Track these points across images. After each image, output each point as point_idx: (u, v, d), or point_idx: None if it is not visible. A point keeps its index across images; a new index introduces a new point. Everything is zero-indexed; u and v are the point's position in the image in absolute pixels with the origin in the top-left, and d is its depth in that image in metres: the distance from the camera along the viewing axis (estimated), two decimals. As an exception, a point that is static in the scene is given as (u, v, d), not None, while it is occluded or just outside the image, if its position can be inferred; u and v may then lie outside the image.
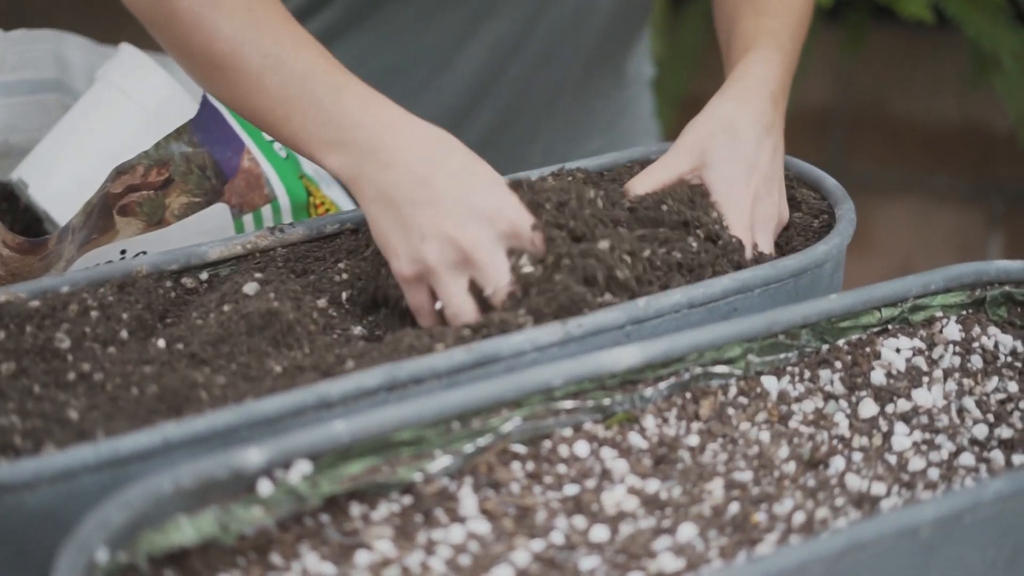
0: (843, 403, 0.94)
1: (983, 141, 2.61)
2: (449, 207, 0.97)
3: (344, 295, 1.03)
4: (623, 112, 1.53)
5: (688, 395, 0.92)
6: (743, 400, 0.93)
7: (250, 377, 0.92)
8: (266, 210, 1.17)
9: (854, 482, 0.87)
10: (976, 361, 0.97)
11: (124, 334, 0.98)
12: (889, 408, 0.94)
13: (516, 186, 1.01)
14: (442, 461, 0.85)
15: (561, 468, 0.87)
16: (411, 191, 0.98)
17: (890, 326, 0.98)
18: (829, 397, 0.94)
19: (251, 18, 1.02)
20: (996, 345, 0.98)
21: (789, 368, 0.95)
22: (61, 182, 1.19)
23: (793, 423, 0.92)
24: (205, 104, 1.14)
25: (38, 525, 0.81)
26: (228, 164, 1.15)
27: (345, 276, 1.05)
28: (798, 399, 0.94)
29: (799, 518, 0.84)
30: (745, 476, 0.88)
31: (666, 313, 0.96)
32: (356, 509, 0.83)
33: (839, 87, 2.65)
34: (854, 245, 1.06)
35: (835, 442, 0.91)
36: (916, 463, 0.90)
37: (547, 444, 0.88)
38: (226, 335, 0.96)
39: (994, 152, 2.60)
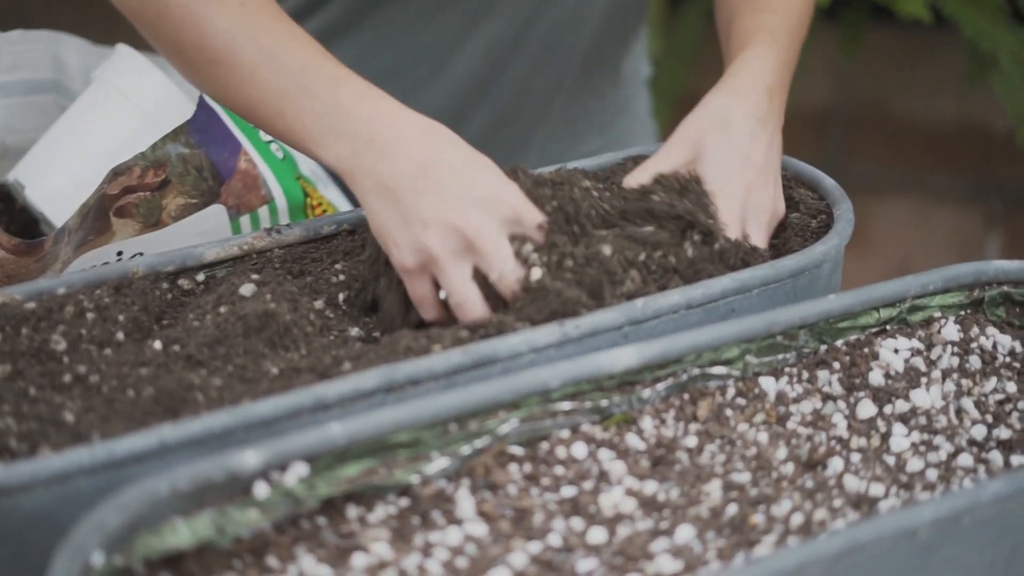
0: (841, 404, 0.94)
1: (982, 141, 2.60)
2: (450, 194, 0.97)
3: (341, 296, 1.03)
4: (620, 112, 1.53)
5: (686, 396, 0.92)
6: (741, 401, 0.93)
7: (246, 379, 0.92)
8: (263, 211, 1.17)
9: (852, 483, 0.87)
10: (974, 362, 0.97)
11: (120, 336, 0.98)
12: (887, 409, 0.93)
13: (513, 175, 1.01)
14: (439, 463, 0.85)
15: (559, 470, 0.87)
16: (411, 180, 0.97)
17: (888, 327, 0.98)
18: (827, 398, 0.94)
19: (245, 12, 1.01)
20: (995, 345, 0.98)
21: (787, 369, 0.95)
22: (57, 183, 1.19)
23: (791, 424, 0.92)
24: (202, 105, 1.14)
25: (34, 528, 0.81)
26: (225, 165, 1.15)
27: (342, 277, 1.04)
28: (796, 400, 0.93)
29: (797, 519, 0.84)
30: (743, 477, 0.87)
31: (664, 314, 0.96)
32: (353, 511, 0.83)
33: (837, 87, 2.65)
34: (852, 245, 1.06)
35: (833, 443, 0.91)
36: (914, 464, 0.90)
37: (544, 446, 0.88)
38: (222, 337, 0.96)
39: (993, 152, 2.60)
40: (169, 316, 1.01)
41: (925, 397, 0.94)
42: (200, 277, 1.04)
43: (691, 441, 0.90)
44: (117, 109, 1.21)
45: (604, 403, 0.90)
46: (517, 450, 0.87)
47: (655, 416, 0.91)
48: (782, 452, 0.90)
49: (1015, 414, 0.94)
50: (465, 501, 0.84)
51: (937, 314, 0.99)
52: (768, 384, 0.93)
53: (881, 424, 0.92)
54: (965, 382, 0.96)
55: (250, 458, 0.80)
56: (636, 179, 1.06)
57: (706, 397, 0.92)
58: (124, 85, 1.21)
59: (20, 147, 1.25)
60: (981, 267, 0.99)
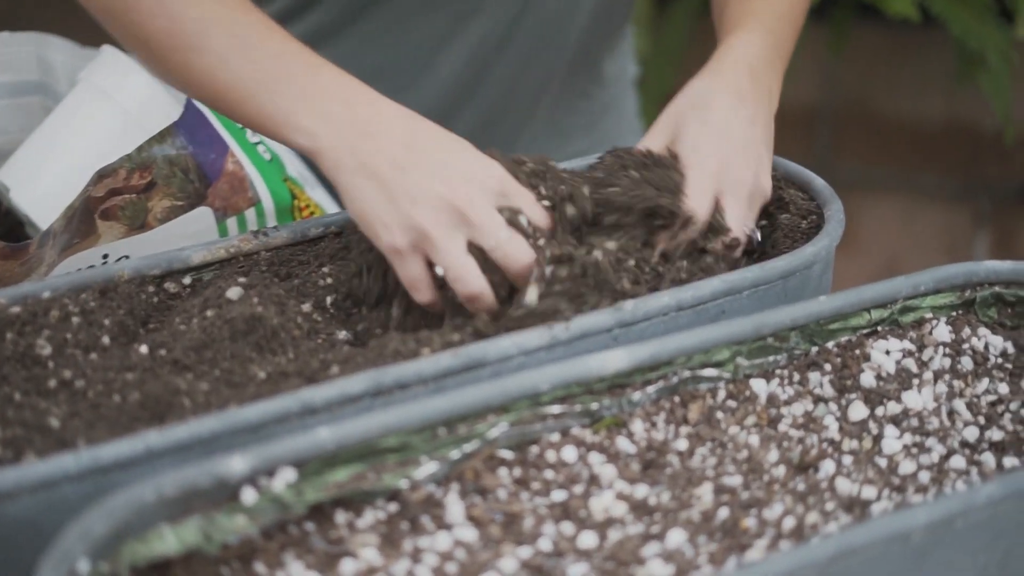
0: (833, 406, 0.93)
1: (970, 140, 2.60)
2: (436, 170, 0.96)
3: (329, 299, 1.03)
4: (606, 112, 1.53)
5: (676, 399, 0.92)
6: (732, 403, 0.92)
7: (233, 383, 0.91)
8: (250, 213, 1.16)
9: (844, 486, 0.87)
10: (966, 363, 0.97)
11: (106, 340, 0.97)
12: (879, 411, 0.93)
13: (490, 156, 1.01)
14: (428, 467, 0.84)
15: (549, 474, 0.86)
16: (396, 157, 0.97)
17: (880, 328, 0.97)
18: (818, 400, 0.93)
19: (216, 2, 1.01)
20: (986, 346, 0.98)
21: (778, 371, 0.94)
22: (42, 186, 1.18)
23: (782, 426, 0.92)
24: (189, 106, 1.13)
25: (18, 535, 0.80)
26: (212, 167, 1.14)
27: (330, 280, 1.04)
28: (787, 402, 0.93)
29: (789, 523, 0.83)
30: (734, 480, 0.87)
31: (654, 316, 0.95)
32: (341, 517, 0.82)
33: (825, 86, 2.65)
34: (840, 244, 1.06)
35: (825, 445, 0.90)
36: (906, 466, 0.89)
37: (534, 449, 0.88)
38: (209, 341, 0.95)
39: (981, 151, 2.60)
40: (155, 320, 1.01)
41: (917, 399, 0.94)
42: (187, 280, 1.04)
43: (682, 444, 0.89)
44: (102, 111, 1.20)
45: (594, 406, 0.89)
46: (507, 454, 0.87)
47: (645, 419, 0.90)
48: (773, 455, 0.89)
49: (1007, 415, 0.94)
50: (454, 506, 0.83)
51: (928, 315, 0.99)
52: (759, 386, 0.93)
53: (873, 426, 0.92)
54: (957, 383, 0.96)
55: (237, 464, 0.79)
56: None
57: (697, 400, 0.92)
58: (109, 86, 1.20)
59: (5, 149, 1.24)
60: (972, 268, 0.99)
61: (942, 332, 0.98)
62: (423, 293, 0.98)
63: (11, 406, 0.89)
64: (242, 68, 0.99)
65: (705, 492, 0.86)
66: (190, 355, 0.94)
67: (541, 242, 0.97)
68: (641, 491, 0.86)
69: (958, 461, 0.90)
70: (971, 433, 0.92)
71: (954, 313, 0.99)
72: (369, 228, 0.97)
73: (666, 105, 1.10)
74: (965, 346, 0.97)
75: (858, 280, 2.53)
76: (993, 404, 0.94)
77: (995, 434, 0.92)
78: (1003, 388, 0.95)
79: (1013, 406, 0.94)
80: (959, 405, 0.94)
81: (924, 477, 0.88)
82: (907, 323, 0.98)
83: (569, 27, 1.40)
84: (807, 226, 1.09)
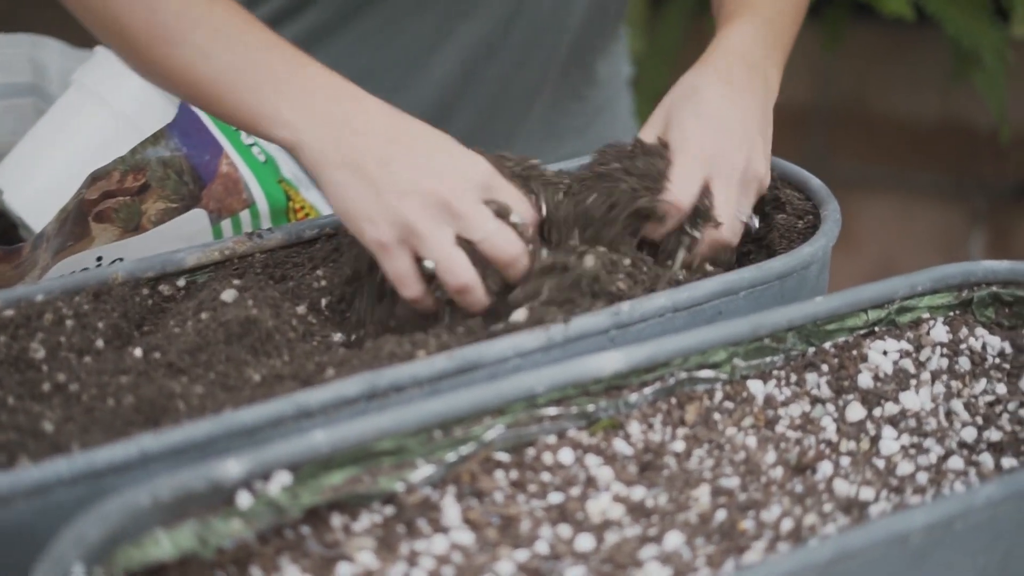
0: (830, 407, 0.93)
1: (965, 138, 2.60)
2: (422, 163, 0.96)
3: (323, 301, 1.02)
4: (600, 113, 1.52)
5: (673, 400, 0.91)
6: (729, 405, 0.92)
7: (228, 386, 0.91)
8: (244, 215, 1.16)
9: (842, 487, 0.86)
10: (964, 363, 0.96)
11: (100, 343, 0.97)
12: (876, 411, 0.93)
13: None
14: (424, 470, 0.84)
15: (545, 476, 0.86)
16: (382, 150, 0.96)
17: (877, 328, 0.97)
18: (816, 401, 0.93)
19: None
20: (984, 347, 0.97)
21: (775, 372, 0.94)
22: (36, 188, 1.18)
23: (780, 428, 0.91)
24: (183, 108, 1.13)
25: (12, 541, 0.79)
26: (206, 169, 1.14)
27: (324, 282, 1.03)
28: (784, 403, 0.93)
29: (787, 525, 0.83)
30: (732, 482, 0.86)
31: (650, 317, 0.95)
32: (337, 520, 0.82)
33: (819, 85, 2.65)
34: (836, 243, 1.05)
35: (822, 447, 0.90)
36: (904, 467, 0.89)
37: (531, 452, 0.87)
38: (204, 343, 0.95)
39: (976, 149, 2.60)
40: (149, 323, 1.00)
41: (914, 399, 0.93)
42: (181, 283, 1.03)
43: (679, 446, 0.89)
44: (96, 113, 1.20)
45: (591, 408, 0.89)
46: (503, 456, 0.87)
47: (642, 421, 0.90)
48: (771, 456, 0.89)
49: (1005, 416, 0.93)
50: (451, 509, 0.83)
51: (926, 315, 0.98)
52: (756, 387, 0.93)
53: (870, 427, 0.92)
54: (955, 384, 0.95)
55: (232, 467, 0.79)
56: None
57: (694, 401, 0.91)
58: (103, 88, 1.20)
59: (-2, 151, 1.24)
60: (970, 267, 0.99)
61: (939, 332, 0.97)
62: (410, 288, 0.97)
63: (4, 410, 0.89)
64: (223, 61, 0.98)
65: (702, 494, 0.86)
66: (185, 358, 0.94)
67: (529, 234, 0.97)
68: (638, 493, 0.85)
69: (956, 462, 0.90)
70: (969, 434, 0.92)
71: (951, 313, 0.99)
72: (354, 223, 0.96)
73: (660, 106, 1.10)
74: (963, 346, 0.97)
75: (854, 279, 2.54)
76: (991, 404, 0.94)
77: (993, 435, 0.92)
78: (1001, 388, 0.95)
79: (1011, 406, 0.94)
80: (957, 406, 0.94)
81: (922, 478, 0.88)
82: (904, 323, 0.98)
83: (562, 28, 1.40)
84: (803, 226, 1.08)
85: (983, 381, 0.96)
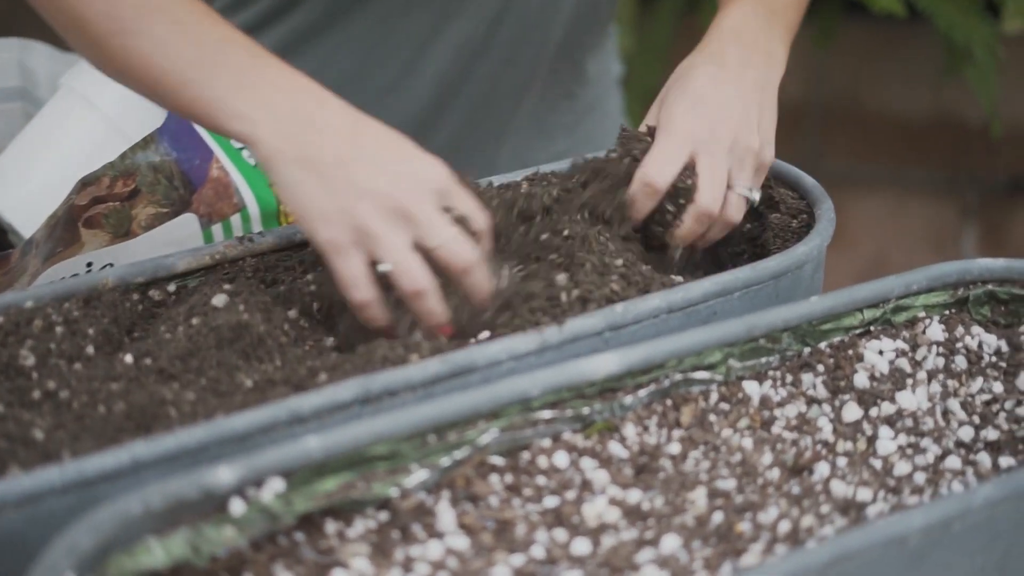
0: (826, 407, 0.92)
1: (957, 134, 2.60)
2: (380, 165, 0.94)
3: (315, 305, 1.01)
4: (590, 111, 1.52)
5: (668, 402, 0.91)
6: (725, 406, 0.91)
7: (220, 392, 0.90)
8: (235, 219, 1.15)
9: (839, 488, 0.86)
10: (960, 362, 0.96)
11: (90, 350, 0.96)
12: (873, 411, 0.92)
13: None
14: (418, 475, 0.83)
15: (540, 480, 0.85)
16: (339, 150, 0.94)
17: (872, 327, 0.97)
18: (812, 401, 0.93)
19: None
20: (980, 345, 0.97)
21: (771, 372, 0.93)
22: (25, 194, 1.17)
23: (776, 429, 0.91)
24: (172, 113, 1.12)
25: (3, 551, 0.79)
26: (196, 173, 1.13)
27: (315, 286, 1.03)
28: (780, 404, 0.92)
29: (784, 527, 0.82)
30: (728, 484, 0.86)
31: (644, 319, 0.94)
32: (331, 526, 0.81)
33: (811, 82, 2.65)
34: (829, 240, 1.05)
35: (819, 447, 0.90)
36: (902, 467, 0.88)
37: (525, 455, 0.87)
38: (195, 349, 0.94)
39: (968, 145, 2.60)
40: (140, 328, 1.00)
41: (911, 399, 0.93)
42: (171, 288, 1.03)
43: (674, 448, 0.88)
44: (84, 117, 1.19)
45: (585, 411, 0.88)
46: (498, 460, 0.86)
47: (637, 423, 0.89)
48: (767, 458, 0.88)
49: (1002, 414, 0.93)
50: (446, 514, 0.82)
51: (921, 314, 0.98)
52: (752, 388, 0.92)
53: (867, 427, 0.91)
54: (951, 383, 0.95)
55: (225, 474, 0.78)
56: None
57: (689, 403, 0.91)
58: (91, 93, 1.19)
59: (-14, 157, 1.23)
60: (965, 266, 0.98)
61: (935, 331, 0.97)
62: (361, 291, 0.94)
63: (-6, 418, 0.88)
64: (181, 53, 0.97)
65: (699, 496, 0.85)
66: (176, 364, 0.93)
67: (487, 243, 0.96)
68: (634, 496, 0.85)
69: (953, 461, 0.89)
70: (966, 433, 0.92)
71: (947, 312, 0.99)
72: (307, 222, 0.94)
73: (651, 103, 1.10)
74: (959, 345, 0.97)
75: (847, 275, 2.54)
76: (988, 403, 0.94)
77: (990, 433, 0.92)
78: (997, 387, 0.95)
79: (1008, 405, 0.93)
80: (953, 405, 0.93)
81: (919, 478, 0.88)
82: (900, 322, 0.97)
83: (551, 26, 1.40)
84: (797, 225, 1.08)
85: (980, 380, 0.95)
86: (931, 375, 0.95)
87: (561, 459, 0.86)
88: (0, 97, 1.28)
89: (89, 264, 1.08)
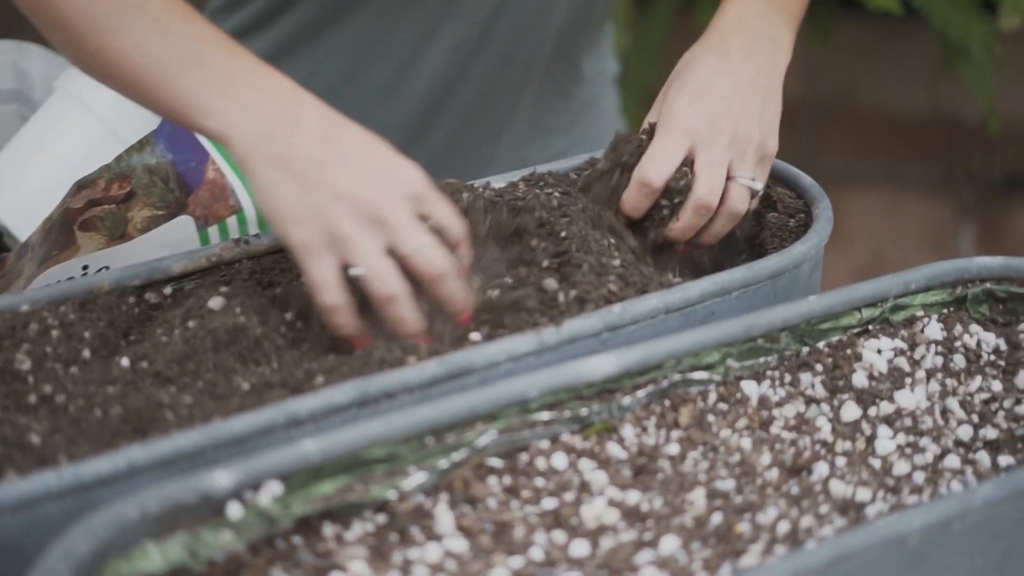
0: (825, 407, 0.92)
1: (953, 131, 2.60)
2: (356, 168, 0.93)
3: (288, 313, 1.00)
4: (586, 110, 1.52)
5: (667, 403, 0.90)
6: (723, 406, 0.91)
7: (217, 395, 0.90)
8: (232, 221, 1.15)
9: (838, 488, 0.85)
10: (959, 360, 0.96)
11: (87, 353, 0.96)
12: (872, 411, 0.92)
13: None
14: (416, 478, 0.83)
15: (539, 481, 0.85)
16: (315, 151, 0.93)
17: (871, 327, 0.96)
18: (810, 401, 0.92)
19: None
20: (979, 344, 0.97)
21: (769, 372, 0.93)
22: (20, 197, 1.17)
23: (774, 429, 0.90)
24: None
25: (0, 556, 0.78)
26: (192, 175, 1.13)
27: (283, 289, 1.02)
28: (779, 404, 0.92)
29: (783, 527, 0.82)
30: (727, 485, 0.86)
31: (642, 319, 0.94)
32: (329, 529, 0.81)
33: (807, 80, 2.64)
34: (826, 238, 1.05)
35: (818, 447, 0.89)
36: (901, 467, 0.88)
37: (524, 457, 0.86)
38: (191, 352, 0.94)
39: (964, 142, 2.60)
40: (136, 331, 0.99)
41: (910, 398, 0.93)
42: (167, 290, 1.02)
43: (673, 449, 0.88)
44: (80, 119, 1.19)
45: (584, 412, 0.88)
46: (496, 462, 0.86)
47: (636, 424, 0.89)
48: (766, 458, 0.88)
49: (1001, 413, 0.93)
50: (444, 516, 0.82)
51: (920, 313, 0.98)
52: (750, 388, 0.92)
53: (866, 427, 0.91)
54: (950, 382, 0.95)
55: (222, 478, 0.78)
56: None
57: (687, 403, 0.91)
58: (86, 95, 1.19)
59: (-19, 160, 1.23)
60: (963, 264, 0.98)
61: (934, 330, 0.97)
62: (330, 295, 0.93)
63: (-9, 423, 0.88)
64: (158, 51, 0.96)
65: (698, 497, 0.85)
66: (172, 367, 0.93)
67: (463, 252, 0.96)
68: (633, 497, 0.84)
69: (952, 460, 0.89)
70: (965, 432, 0.91)
71: (945, 310, 0.98)
72: (279, 223, 0.93)
73: (648, 102, 1.10)
74: (957, 344, 0.97)
75: (843, 273, 2.53)
76: (987, 402, 0.94)
77: (989, 432, 0.91)
78: (996, 385, 0.95)
79: (1007, 403, 0.93)
80: (952, 404, 0.93)
81: (919, 477, 0.88)
82: (898, 321, 0.97)
83: (547, 25, 1.39)
84: (795, 224, 1.08)
85: (978, 378, 0.95)
86: (930, 374, 0.95)
87: (559, 460, 0.86)
88: (-5, 99, 1.28)
89: (85, 267, 1.08)
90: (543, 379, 0.86)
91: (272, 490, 0.79)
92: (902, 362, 0.95)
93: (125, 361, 0.94)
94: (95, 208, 1.08)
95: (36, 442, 0.86)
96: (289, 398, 0.88)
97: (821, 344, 0.95)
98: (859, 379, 0.93)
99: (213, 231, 1.14)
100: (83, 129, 1.19)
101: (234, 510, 0.78)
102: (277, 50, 1.35)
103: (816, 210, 1.06)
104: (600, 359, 0.88)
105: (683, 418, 0.90)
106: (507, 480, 0.85)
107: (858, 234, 2.65)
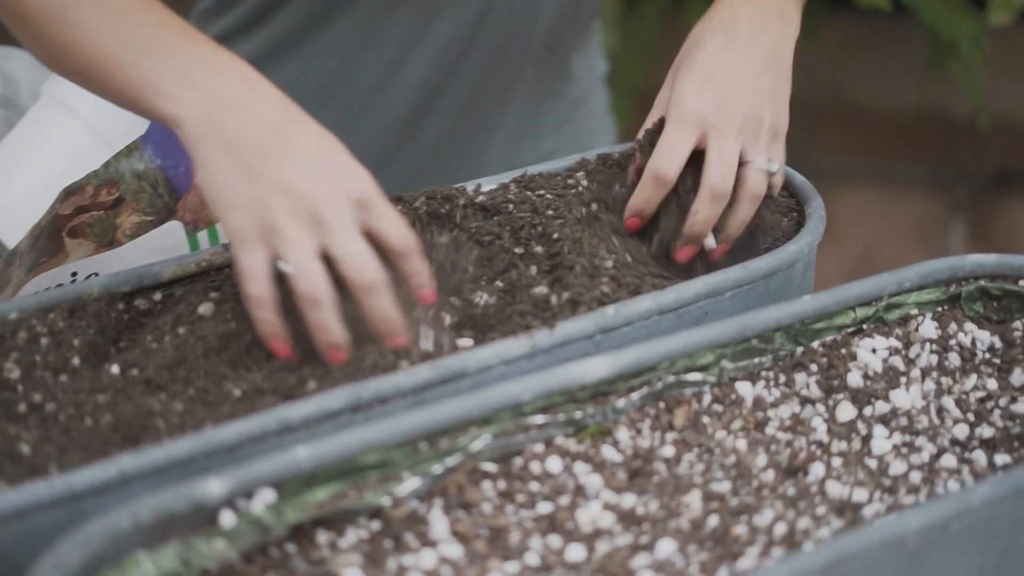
0: (820, 407, 0.92)
1: (943, 128, 2.60)
2: (302, 162, 0.92)
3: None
4: (576, 109, 1.51)
5: (661, 405, 0.90)
6: (718, 408, 0.91)
7: (208, 402, 0.89)
8: (221, 226, 1.14)
9: (835, 489, 0.85)
10: (954, 359, 0.95)
11: (76, 361, 0.95)
12: (867, 411, 0.91)
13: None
14: (410, 483, 0.82)
15: (534, 485, 0.85)
16: (263, 140, 0.92)
17: (865, 326, 0.96)
18: (806, 401, 0.92)
19: None
20: (973, 342, 0.96)
21: (764, 373, 0.93)
22: (7, 203, 1.16)
23: (770, 430, 0.90)
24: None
25: (-9, 568, 0.78)
26: (181, 180, 1.12)
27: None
28: (774, 405, 0.91)
29: (780, 529, 0.82)
30: (723, 487, 0.85)
31: (636, 321, 0.93)
32: (323, 537, 0.80)
33: (797, 77, 2.63)
34: (817, 237, 1.04)
35: (813, 448, 0.89)
36: (897, 467, 0.88)
37: (518, 461, 0.86)
38: (182, 359, 0.93)
39: (955, 139, 2.60)
40: (126, 338, 0.98)
41: (905, 397, 0.92)
42: (157, 297, 1.01)
43: (668, 451, 0.88)
44: (67, 126, 1.18)
45: (578, 415, 0.87)
46: (490, 467, 0.85)
47: (630, 426, 0.89)
48: (762, 459, 0.88)
49: (997, 411, 0.92)
50: (438, 522, 0.82)
51: (914, 311, 0.97)
52: (745, 389, 0.91)
53: (861, 426, 0.91)
54: (945, 380, 0.94)
55: (214, 486, 0.77)
56: None
57: (682, 405, 0.90)
58: (73, 100, 1.18)
59: (-32, 166, 1.22)
60: (957, 262, 0.98)
61: (928, 328, 0.96)
62: (255, 286, 0.90)
63: (-20, 433, 0.88)
64: (114, 38, 0.95)
65: (694, 500, 0.84)
66: (163, 374, 0.92)
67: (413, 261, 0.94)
68: (628, 501, 0.84)
69: (949, 460, 0.89)
70: (961, 431, 0.91)
71: (940, 309, 0.98)
72: (218, 208, 0.92)
73: (638, 101, 1.09)
74: (952, 342, 0.96)
75: (835, 270, 2.53)
76: (982, 400, 0.93)
77: (985, 431, 0.91)
78: (991, 384, 0.94)
79: (1002, 402, 0.93)
80: (948, 402, 0.93)
81: (915, 477, 0.87)
82: (893, 320, 0.97)
83: (535, 25, 1.39)
84: (788, 223, 1.07)
85: (973, 377, 0.94)
86: (925, 373, 0.94)
87: (554, 464, 0.86)
88: (-19, 105, 1.28)
89: (74, 274, 1.07)
90: (536, 382, 0.86)
91: (265, 498, 0.78)
92: (897, 361, 0.94)
93: (115, 369, 0.93)
94: (83, 214, 1.07)
95: (26, 452, 0.85)
96: (281, 404, 0.87)
97: (815, 344, 0.94)
98: (854, 379, 0.93)
99: (202, 236, 1.13)
100: (70, 135, 1.18)
101: (227, 518, 0.77)
102: (265, 53, 1.34)
103: (808, 208, 1.05)
104: (594, 361, 0.88)
105: (678, 420, 0.89)
106: (502, 484, 0.84)
107: (849, 231, 2.65)
